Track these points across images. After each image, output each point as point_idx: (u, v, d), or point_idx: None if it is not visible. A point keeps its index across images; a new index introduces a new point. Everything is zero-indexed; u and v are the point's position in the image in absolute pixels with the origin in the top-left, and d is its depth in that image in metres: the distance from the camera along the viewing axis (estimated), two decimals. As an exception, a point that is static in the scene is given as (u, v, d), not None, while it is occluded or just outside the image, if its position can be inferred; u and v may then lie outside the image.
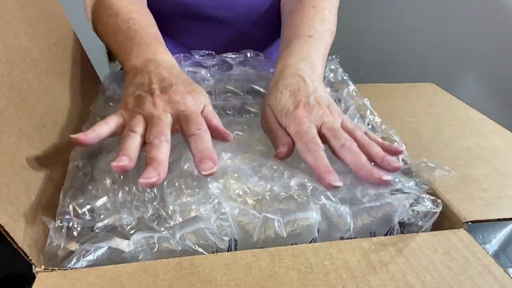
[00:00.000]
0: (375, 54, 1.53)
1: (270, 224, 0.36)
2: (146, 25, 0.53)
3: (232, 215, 0.36)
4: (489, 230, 0.42)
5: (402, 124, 0.58)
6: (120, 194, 0.37)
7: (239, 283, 0.31)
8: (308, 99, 0.45)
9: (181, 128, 0.40)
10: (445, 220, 0.41)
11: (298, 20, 0.58)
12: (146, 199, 0.37)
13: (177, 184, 0.38)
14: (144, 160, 0.36)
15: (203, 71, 0.59)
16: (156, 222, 0.35)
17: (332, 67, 0.63)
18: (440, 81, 0.75)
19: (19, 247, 0.32)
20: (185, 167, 0.39)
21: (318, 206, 0.37)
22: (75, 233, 0.35)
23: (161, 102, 0.41)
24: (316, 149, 0.40)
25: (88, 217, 0.35)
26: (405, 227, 0.40)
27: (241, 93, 0.58)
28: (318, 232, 0.37)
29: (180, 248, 0.34)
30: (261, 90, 0.59)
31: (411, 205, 0.39)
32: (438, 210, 0.38)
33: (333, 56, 0.64)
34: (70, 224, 0.34)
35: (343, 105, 0.56)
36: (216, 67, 0.61)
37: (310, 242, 0.36)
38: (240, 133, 0.50)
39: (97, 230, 0.35)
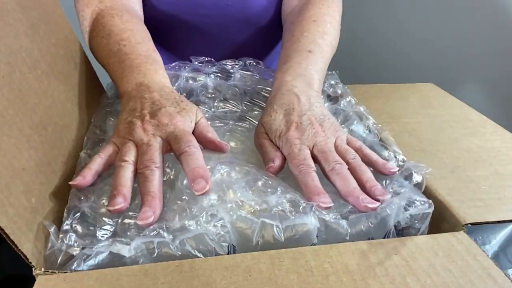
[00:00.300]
0: (375, 54, 1.53)
1: (269, 230, 0.36)
2: (138, 43, 0.53)
3: (230, 222, 0.36)
4: (488, 231, 0.42)
5: (401, 124, 0.58)
6: (120, 219, 0.37)
7: (239, 286, 0.31)
8: (301, 118, 0.46)
9: (171, 148, 0.41)
10: (444, 222, 0.41)
11: (299, 33, 0.58)
12: None
13: (176, 204, 0.38)
14: (139, 193, 0.37)
15: (202, 78, 0.59)
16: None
17: (332, 82, 0.63)
18: (441, 81, 0.75)
19: (19, 249, 0.32)
20: (183, 183, 0.39)
21: (316, 213, 0.37)
22: (75, 239, 0.35)
23: (150, 127, 0.42)
24: (306, 170, 0.41)
25: (84, 238, 0.36)
26: (402, 231, 0.40)
27: (239, 102, 0.58)
28: (317, 238, 0.37)
29: (179, 253, 0.34)
30: (259, 99, 0.59)
31: (404, 208, 0.39)
32: (431, 210, 0.39)
33: (333, 72, 0.64)
34: (72, 243, 0.35)
35: (341, 115, 0.56)
36: (215, 74, 0.61)
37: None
38: (235, 144, 0.50)
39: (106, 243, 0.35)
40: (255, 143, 0.48)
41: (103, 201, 0.39)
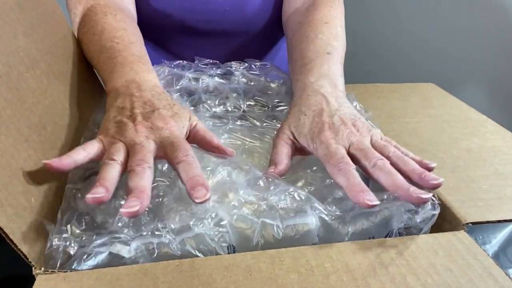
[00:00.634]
0: (375, 54, 1.53)
1: (269, 230, 0.36)
2: (131, 42, 0.52)
3: (229, 222, 0.36)
4: (489, 230, 0.42)
5: (402, 124, 0.58)
6: (116, 218, 0.37)
7: (239, 285, 0.31)
8: (333, 119, 0.44)
9: (166, 155, 0.39)
10: (445, 222, 0.41)
11: (313, 34, 0.57)
12: (143, 222, 0.37)
13: (176, 204, 0.38)
14: (126, 188, 0.35)
15: (205, 79, 0.59)
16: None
17: None
18: (441, 81, 0.75)
19: (19, 249, 0.32)
20: (180, 184, 0.39)
21: (316, 212, 0.37)
22: (73, 239, 0.35)
23: (143, 128, 0.40)
24: (346, 168, 0.39)
25: (83, 238, 0.35)
26: (404, 230, 0.40)
27: (241, 101, 0.58)
28: (317, 237, 0.37)
29: (179, 253, 0.34)
30: (262, 98, 0.59)
31: (410, 211, 0.39)
32: (437, 212, 0.38)
33: None
34: (67, 243, 0.34)
35: None
36: (219, 75, 0.61)
37: (310, 247, 0.36)
38: (235, 143, 0.50)
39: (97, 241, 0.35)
40: (273, 140, 0.47)
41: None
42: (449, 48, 1.43)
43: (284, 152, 0.44)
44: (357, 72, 1.35)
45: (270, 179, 0.41)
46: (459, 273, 0.33)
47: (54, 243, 0.33)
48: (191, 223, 0.35)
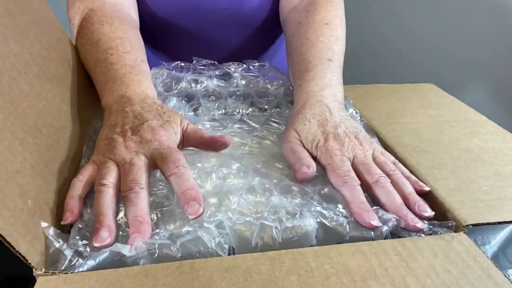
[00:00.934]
0: (375, 54, 1.53)
1: (268, 231, 0.36)
2: (126, 52, 0.52)
3: (229, 224, 0.36)
4: (488, 231, 0.42)
5: (402, 125, 0.58)
6: (118, 218, 0.37)
7: (239, 287, 0.31)
8: (337, 130, 0.45)
9: (158, 166, 0.40)
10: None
11: (314, 37, 0.57)
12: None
13: (176, 206, 0.38)
14: (127, 218, 0.36)
15: (204, 81, 0.59)
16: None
17: None
18: (441, 82, 0.75)
19: (17, 250, 0.32)
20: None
21: (315, 215, 0.37)
22: (75, 238, 0.35)
23: (132, 144, 0.40)
24: (352, 184, 0.40)
25: (84, 238, 0.35)
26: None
27: (240, 104, 0.58)
28: (316, 239, 0.37)
29: (180, 255, 0.34)
30: (261, 101, 0.59)
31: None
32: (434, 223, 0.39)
33: None
34: (67, 246, 0.34)
35: None
36: (217, 77, 0.61)
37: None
38: (233, 146, 0.50)
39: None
40: (285, 148, 0.47)
41: None
42: (449, 48, 1.43)
43: (306, 154, 0.45)
44: (357, 72, 1.35)
45: (268, 184, 0.41)
46: (459, 275, 0.33)
47: (54, 245, 0.34)
48: (191, 224, 0.35)
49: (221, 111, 0.57)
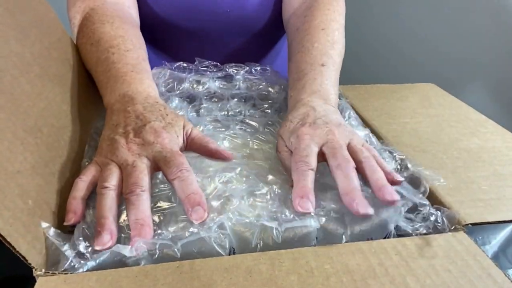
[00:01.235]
0: (375, 54, 1.53)
1: (268, 232, 0.36)
2: (127, 50, 0.52)
3: (229, 225, 0.36)
4: (488, 231, 0.42)
5: (401, 124, 0.58)
6: (121, 220, 0.37)
7: (239, 287, 0.31)
8: (316, 120, 0.45)
9: (161, 170, 0.40)
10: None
11: (309, 44, 0.57)
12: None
13: (177, 208, 0.38)
14: (128, 220, 0.36)
15: (206, 82, 0.59)
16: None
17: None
18: (441, 81, 0.75)
19: (17, 251, 0.32)
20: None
21: (315, 215, 0.37)
22: (79, 240, 0.35)
23: (134, 146, 0.40)
24: (302, 168, 0.40)
25: (85, 239, 0.36)
26: (403, 232, 0.40)
27: (242, 106, 0.58)
28: (316, 239, 0.37)
29: (180, 256, 0.34)
30: (263, 104, 0.59)
31: (408, 211, 0.39)
32: (436, 216, 0.39)
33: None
34: (67, 247, 0.34)
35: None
36: (220, 79, 0.61)
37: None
38: (235, 148, 0.50)
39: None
40: (278, 157, 0.47)
41: None
42: (449, 48, 1.42)
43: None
44: (357, 72, 1.35)
45: (269, 187, 0.41)
46: (459, 274, 0.33)
47: (54, 245, 0.34)
48: (193, 228, 0.35)
49: (223, 113, 0.57)
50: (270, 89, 0.61)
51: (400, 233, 0.39)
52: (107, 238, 0.34)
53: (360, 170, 0.41)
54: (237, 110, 0.58)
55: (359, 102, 0.64)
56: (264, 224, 0.36)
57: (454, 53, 1.43)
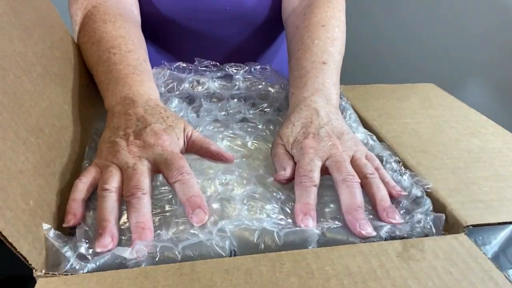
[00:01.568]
0: (375, 54, 1.53)
1: (269, 236, 0.36)
2: (128, 51, 0.52)
3: (230, 227, 0.36)
4: (489, 231, 0.42)
5: (402, 125, 0.58)
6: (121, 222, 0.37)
7: (240, 289, 0.31)
8: (319, 130, 0.45)
9: (161, 172, 0.39)
10: (446, 224, 0.41)
11: (309, 41, 0.57)
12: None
13: (177, 210, 0.38)
14: (129, 223, 0.36)
15: (206, 82, 0.59)
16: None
17: None
18: (441, 81, 0.75)
19: (18, 251, 0.32)
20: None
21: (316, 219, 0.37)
22: (81, 241, 0.35)
23: (135, 148, 0.40)
24: (305, 184, 0.40)
25: (85, 240, 0.35)
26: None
27: (242, 106, 0.58)
28: (317, 243, 0.37)
29: (181, 259, 0.34)
30: (262, 103, 0.59)
31: (412, 216, 0.39)
32: (430, 226, 0.39)
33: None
34: (68, 248, 0.34)
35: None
36: (219, 78, 0.61)
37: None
38: (237, 146, 0.50)
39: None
40: (271, 153, 0.47)
41: None
42: (450, 48, 1.42)
43: (284, 156, 0.45)
44: (357, 72, 1.35)
45: (270, 189, 0.41)
46: (460, 276, 0.33)
47: (54, 246, 0.33)
48: (194, 230, 0.35)
49: (223, 113, 0.57)
50: (269, 88, 0.61)
51: (392, 238, 0.39)
52: (108, 240, 0.34)
53: (364, 186, 0.41)
54: (237, 110, 0.57)
55: (359, 102, 0.64)
56: (265, 228, 0.36)
57: (454, 53, 1.43)
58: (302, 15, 0.62)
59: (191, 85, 0.59)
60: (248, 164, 0.46)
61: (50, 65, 0.46)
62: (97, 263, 0.33)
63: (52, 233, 0.35)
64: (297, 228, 0.37)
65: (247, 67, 0.62)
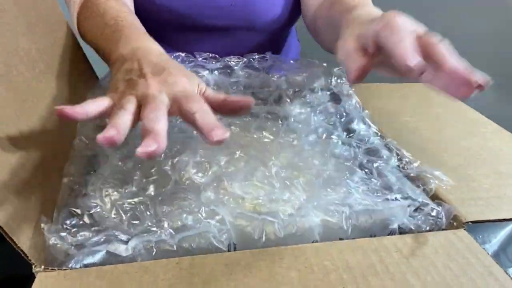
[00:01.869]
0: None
1: (270, 227, 0.36)
2: (133, 23, 0.50)
3: (230, 219, 0.36)
4: (489, 230, 0.42)
5: (402, 124, 0.58)
6: (113, 212, 0.37)
7: (239, 283, 0.31)
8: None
9: (180, 109, 0.36)
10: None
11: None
12: (139, 215, 0.37)
13: (169, 198, 0.38)
14: (141, 133, 0.32)
15: (205, 74, 0.59)
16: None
17: (339, 80, 0.62)
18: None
19: (18, 247, 0.32)
20: (182, 177, 0.39)
21: (318, 210, 0.37)
22: (72, 238, 0.35)
23: (155, 82, 0.37)
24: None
25: (80, 235, 0.35)
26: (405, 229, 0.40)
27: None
28: (318, 235, 0.37)
29: (179, 251, 0.34)
30: (262, 93, 0.59)
31: (415, 210, 0.39)
32: (442, 218, 0.39)
33: (340, 68, 0.64)
34: (64, 242, 0.34)
35: (344, 114, 0.56)
36: (218, 70, 0.61)
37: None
38: (236, 135, 0.50)
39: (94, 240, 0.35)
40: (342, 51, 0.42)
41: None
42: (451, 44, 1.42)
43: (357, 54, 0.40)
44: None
45: (267, 173, 0.40)
46: (459, 271, 0.33)
47: (51, 242, 0.33)
48: (190, 219, 0.35)
49: None
50: (270, 77, 0.61)
51: (401, 230, 0.39)
52: (113, 131, 0.31)
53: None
54: None
55: (359, 101, 0.64)
56: (265, 218, 0.36)
57: (455, 50, 1.43)
58: (329, 6, 0.61)
59: None
60: (245, 152, 0.46)
61: (53, 62, 0.47)
62: (94, 259, 0.33)
63: (51, 228, 0.35)
64: (299, 220, 0.36)
65: (245, 59, 0.62)
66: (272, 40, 0.80)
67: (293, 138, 0.49)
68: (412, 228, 0.38)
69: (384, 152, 0.48)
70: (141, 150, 0.30)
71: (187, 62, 0.60)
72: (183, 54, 0.61)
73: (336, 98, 0.60)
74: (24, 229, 0.33)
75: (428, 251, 0.35)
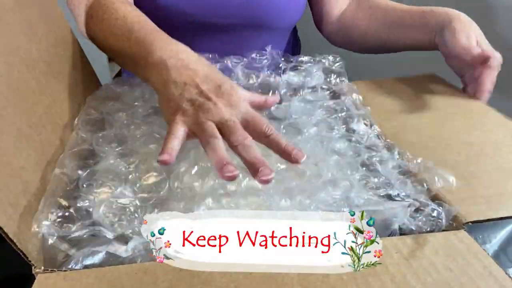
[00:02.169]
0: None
1: None
2: (156, 27, 0.51)
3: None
4: (489, 230, 0.42)
5: (402, 119, 0.58)
6: (101, 209, 0.37)
7: (239, 284, 0.31)
8: None
9: (251, 128, 0.39)
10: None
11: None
12: (127, 217, 0.37)
13: (174, 206, 0.38)
14: (244, 161, 0.36)
15: None
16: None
17: (338, 79, 0.62)
18: (442, 75, 0.75)
19: (19, 248, 0.32)
20: (182, 182, 0.39)
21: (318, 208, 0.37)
22: (54, 227, 0.35)
23: (223, 106, 0.40)
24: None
25: (64, 227, 0.35)
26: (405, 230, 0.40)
27: None
28: None
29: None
30: (264, 93, 0.58)
31: (415, 211, 0.39)
32: (443, 219, 0.39)
33: (341, 63, 0.64)
34: (46, 231, 0.34)
35: (344, 112, 0.55)
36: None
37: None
38: None
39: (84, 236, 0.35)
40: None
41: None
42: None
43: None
44: (358, 68, 1.35)
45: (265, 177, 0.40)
46: (459, 272, 0.33)
47: (51, 242, 0.33)
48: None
49: None
50: (269, 78, 0.60)
51: (402, 231, 0.39)
52: (232, 168, 0.35)
53: None
54: None
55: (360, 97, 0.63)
56: None
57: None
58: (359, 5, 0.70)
59: None
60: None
61: (53, 62, 0.46)
62: (93, 260, 0.33)
63: (50, 229, 0.35)
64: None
65: (245, 59, 0.62)
66: (277, 39, 0.79)
67: (294, 137, 0.49)
68: (413, 228, 0.38)
69: (384, 151, 0.48)
70: (264, 178, 0.34)
71: None
72: None
73: (336, 96, 0.60)
74: (23, 230, 0.33)
75: (428, 252, 0.35)
